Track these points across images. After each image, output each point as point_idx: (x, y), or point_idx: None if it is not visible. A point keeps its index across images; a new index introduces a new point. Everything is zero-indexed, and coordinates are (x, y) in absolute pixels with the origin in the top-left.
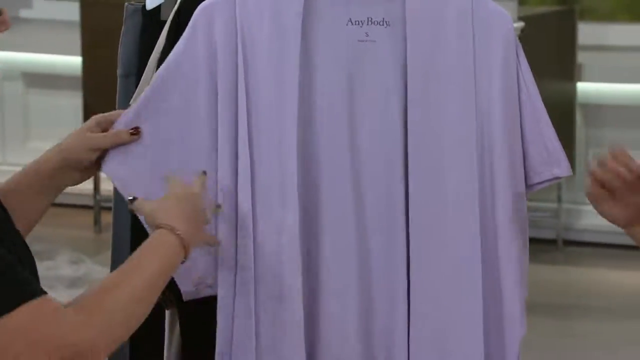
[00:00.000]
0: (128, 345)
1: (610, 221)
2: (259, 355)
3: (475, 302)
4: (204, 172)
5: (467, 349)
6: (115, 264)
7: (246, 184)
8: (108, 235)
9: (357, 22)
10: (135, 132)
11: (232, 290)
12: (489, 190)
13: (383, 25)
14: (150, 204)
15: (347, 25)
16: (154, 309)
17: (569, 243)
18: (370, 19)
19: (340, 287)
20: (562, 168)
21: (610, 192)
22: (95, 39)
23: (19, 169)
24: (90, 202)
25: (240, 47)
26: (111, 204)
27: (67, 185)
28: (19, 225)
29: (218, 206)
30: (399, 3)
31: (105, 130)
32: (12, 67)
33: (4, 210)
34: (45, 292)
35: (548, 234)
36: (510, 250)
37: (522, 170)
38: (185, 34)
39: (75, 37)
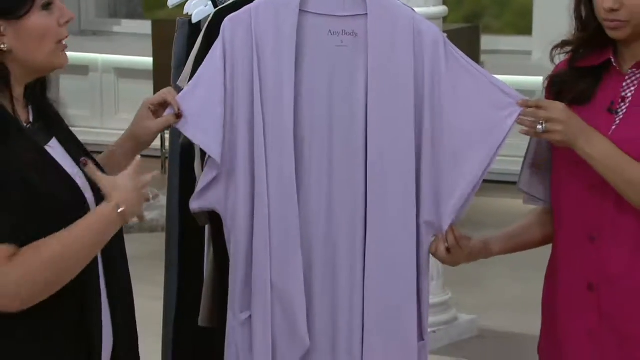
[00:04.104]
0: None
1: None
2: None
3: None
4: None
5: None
6: (170, 191)
7: (260, 139)
8: None
9: (334, 33)
10: (179, 115)
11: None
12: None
13: (352, 35)
14: (106, 177)
15: (327, 35)
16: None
17: None
18: (343, 31)
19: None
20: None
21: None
22: (161, 45)
23: (111, 132)
24: (158, 154)
25: (254, 47)
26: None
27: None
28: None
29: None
30: (363, 20)
31: (154, 111)
32: (107, 64)
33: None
34: (10, 241)
35: None
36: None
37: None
38: (218, 40)
39: (148, 44)
